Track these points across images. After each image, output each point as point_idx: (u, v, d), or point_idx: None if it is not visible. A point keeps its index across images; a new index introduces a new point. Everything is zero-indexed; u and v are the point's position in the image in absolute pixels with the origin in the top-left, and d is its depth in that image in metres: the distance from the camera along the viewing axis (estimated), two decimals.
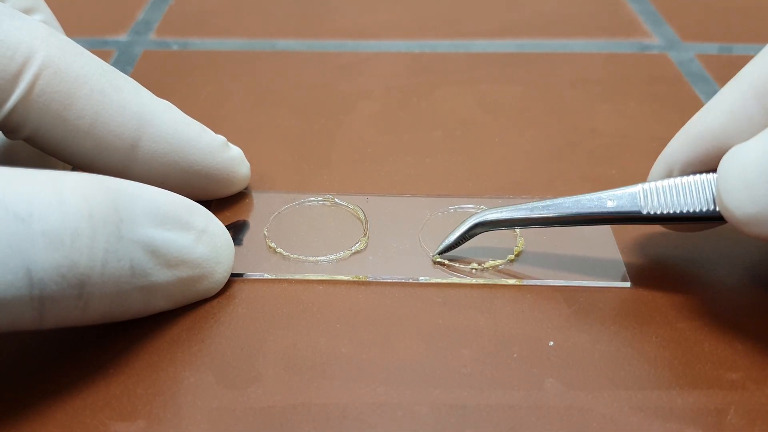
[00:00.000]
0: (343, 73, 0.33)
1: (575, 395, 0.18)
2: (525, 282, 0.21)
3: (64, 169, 0.23)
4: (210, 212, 0.20)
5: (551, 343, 0.19)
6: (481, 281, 0.21)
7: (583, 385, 0.18)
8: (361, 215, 0.24)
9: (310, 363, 0.19)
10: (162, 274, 0.18)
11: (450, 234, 0.22)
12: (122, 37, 0.36)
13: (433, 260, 0.22)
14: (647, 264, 0.22)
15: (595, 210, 0.20)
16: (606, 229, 0.23)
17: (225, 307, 0.20)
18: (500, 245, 0.23)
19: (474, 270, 0.22)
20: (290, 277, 0.21)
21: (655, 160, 0.27)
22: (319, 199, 0.25)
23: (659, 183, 0.20)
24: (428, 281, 0.21)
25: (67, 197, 0.16)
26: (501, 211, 0.21)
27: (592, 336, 0.20)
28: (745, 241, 0.23)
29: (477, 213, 0.21)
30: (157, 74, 0.33)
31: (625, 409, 0.18)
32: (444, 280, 0.21)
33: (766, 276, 0.22)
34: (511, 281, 0.21)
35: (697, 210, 0.19)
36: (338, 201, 0.24)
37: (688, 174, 0.20)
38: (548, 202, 0.21)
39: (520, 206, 0.21)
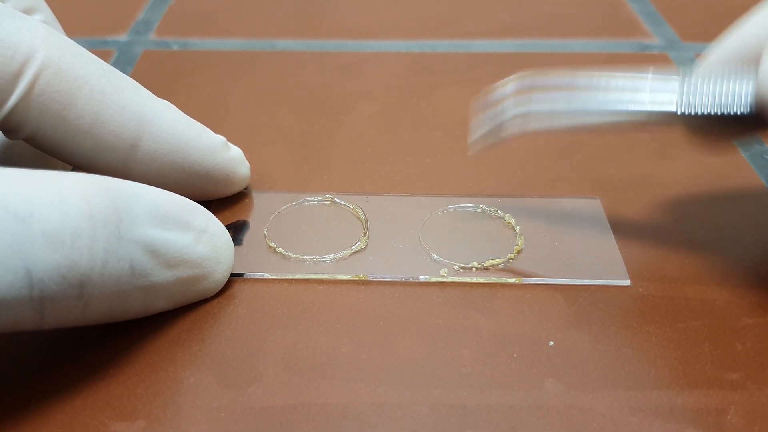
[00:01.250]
0: (343, 73, 0.33)
1: (575, 395, 0.18)
2: (525, 281, 0.21)
3: (64, 169, 0.23)
4: (209, 212, 0.20)
5: (551, 343, 0.19)
6: (481, 280, 0.21)
7: (583, 385, 0.18)
8: (361, 215, 0.24)
9: (310, 363, 0.19)
10: (162, 274, 0.18)
11: (488, 124, 0.21)
12: (122, 37, 0.36)
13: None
14: (647, 264, 0.22)
15: (631, 109, 0.20)
16: (606, 229, 0.23)
17: (225, 307, 0.21)
18: (500, 244, 0.23)
19: (474, 269, 0.22)
20: (290, 277, 0.21)
21: (654, 160, 0.27)
22: (319, 198, 0.25)
23: (699, 79, 0.19)
24: (428, 280, 0.21)
25: (67, 197, 0.16)
26: (543, 106, 0.20)
27: (592, 336, 0.20)
28: (745, 241, 0.23)
29: (515, 107, 0.20)
30: (157, 74, 0.33)
31: (625, 409, 0.18)
32: (444, 280, 0.21)
33: (767, 276, 0.22)
34: (511, 280, 0.21)
35: (736, 109, 0.19)
36: (338, 201, 0.24)
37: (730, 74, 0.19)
38: (584, 93, 0.20)
39: (560, 97, 0.20)
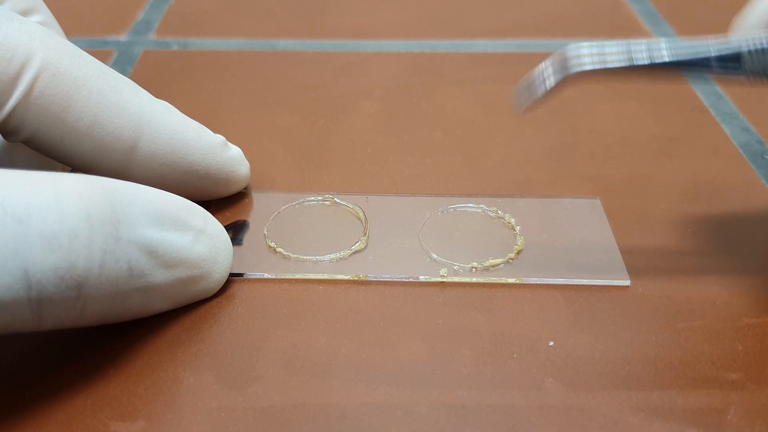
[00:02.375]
0: (343, 73, 0.33)
1: (575, 395, 0.18)
2: (525, 281, 0.21)
3: (63, 170, 0.23)
4: (208, 212, 0.20)
5: (551, 343, 0.19)
6: (481, 280, 0.21)
7: (583, 385, 0.18)
8: (361, 215, 0.24)
9: (310, 363, 0.19)
10: (160, 275, 0.18)
11: (537, 88, 0.19)
12: (122, 37, 0.36)
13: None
14: (647, 264, 0.22)
15: (697, 68, 0.19)
16: (606, 229, 0.23)
17: (225, 307, 0.21)
18: (500, 244, 0.23)
19: (474, 269, 0.22)
20: (290, 277, 0.21)
21: (655, 160, 0.27)
22: (319, 198, 0.25)
23: (764, 40, 0.18)
24: (428, 280, 0.21)
25: (64, 199, 0.16)
26: (595, 55, 0.19)
27: (592, 336, 0.20)
28: (746, 241, 0.23)
29: (562, 59, 0.19)
30: (157, 74, 0.33)
31: (625, 409, 0.18)
32: (444, 280, 0.21)
33: (767, 276, 0.22)
34: (511, 280, 0.21)
35: None
36: (338, 201, 0.24)
37: None
38: (648, 46, 0.19)
39: (613, 46, 0.19)
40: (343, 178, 0.26)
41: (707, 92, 0.31)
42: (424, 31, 0.37)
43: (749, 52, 0.18)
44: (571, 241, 0.23)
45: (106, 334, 0.19)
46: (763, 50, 0.18)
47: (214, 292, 0.21)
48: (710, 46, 0.19)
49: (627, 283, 0.21)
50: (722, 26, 0.38)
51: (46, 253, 0.16)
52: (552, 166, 0.27)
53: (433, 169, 0.26)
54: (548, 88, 0.19)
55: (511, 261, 0.22)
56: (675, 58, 0.19)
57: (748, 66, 0.18)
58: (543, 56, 0.34)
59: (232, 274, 0.21)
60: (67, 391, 0.18)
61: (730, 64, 0.18)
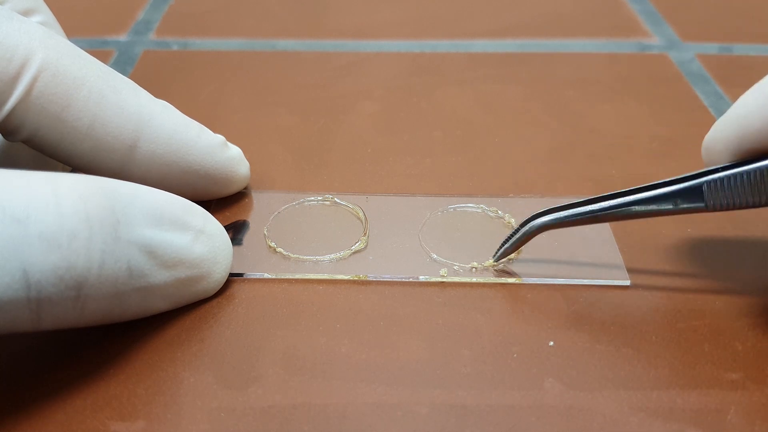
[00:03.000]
0: (343, 73, 0.33)
1: (575, 395, 0.18)
2: (525, 281, 0.21)
3: (63, 170, 0.23)
4: (207, 212, 0.20)
5: (551, 343, 0.19)
6: (481, 280, 0.21)
7: (583, 385, 0.18)
8: (361, 215, 0.24)
9: (310, 363, 0.19)
10: (160, 275, 0.18)
11: (509, 240, 0.21)
12: (122, 37, 0.36)
13: (492, 266, 0.22)
14: (647, 264, 0.22)
15: (662, 209, 0.20)
16: (606, 229, 0.23)
17: (225, 307, 0.21)
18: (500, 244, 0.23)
19: (474, 269, 0.22)
20: (290, 277, 0.21)
21: (654, 160, 0.27)
22: (319, 198, 0.25)
23: (724, 175, 0.19)
24: (428, 280, 0.21)
25: (63, 199, 0.16)
26: (562, 212, 0.20)
27: (592, 336, 0.20)
28: (745, 241, 0.23)
29: (534, 217, 0.21)
30: (157, 74, 0.33)
31: (625, 409, 0.18)
32: (444, 280, 0.21)
33: (766, 276, 0.22)
34: (511, 280, 0.21)
35: (764, 201, 0.19)
36: (338, 201, 0.24)
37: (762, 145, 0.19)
38: (610, 203, 0.20)
39: (579, 204, 0.20)
40: (343, 178, 0.26)
41: (707, 92, 0.31)
42: (424, 31, 0.37)
43: (708, 184, 0.19)
44: (571, 241, 0.23)
45: (106, 334, 0.19)
46: (721, 181, 0.19)
47: (214, 292, 0.21)
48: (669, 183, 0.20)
49: (627, 283, 0.21)
50: (722, 26, 0.38)
51: (45, 253, 0.16)
52: (552, 166, 0.27)
53: (433, 169, 0.26)
54: (514, 242, 0.21)
55: (511, 261, 0.22)
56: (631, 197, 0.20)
57: (710, 199, 0.19)
58: (543, 56, 0.35)
59: (232, 274, 0.21)
60: (67, 391, 0.18)
61: (691, 197, 0.20)
